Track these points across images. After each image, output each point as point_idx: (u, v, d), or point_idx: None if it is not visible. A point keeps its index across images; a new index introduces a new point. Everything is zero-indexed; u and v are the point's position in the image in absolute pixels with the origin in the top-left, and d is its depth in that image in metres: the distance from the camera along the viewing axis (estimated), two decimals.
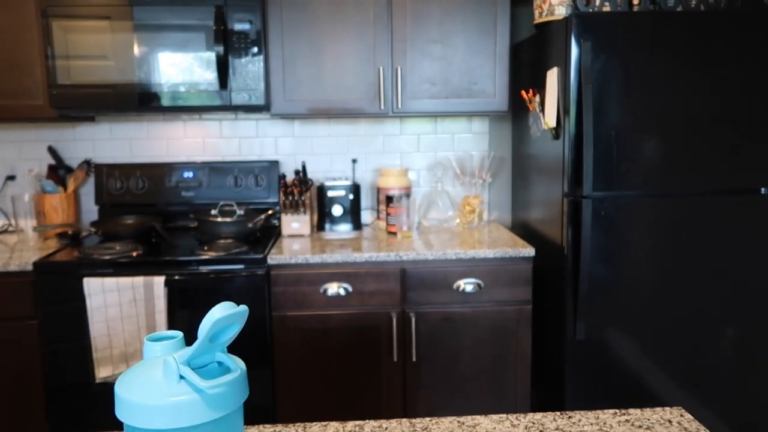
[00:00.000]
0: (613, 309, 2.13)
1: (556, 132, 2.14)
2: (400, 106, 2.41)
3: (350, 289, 2.20)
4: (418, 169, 2.81)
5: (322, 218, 2.55)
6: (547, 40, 2.21)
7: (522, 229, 2.58)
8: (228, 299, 2.16)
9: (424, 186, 2.84)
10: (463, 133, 2.83)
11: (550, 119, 2.15)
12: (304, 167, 2.50)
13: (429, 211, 2.71)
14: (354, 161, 2.75)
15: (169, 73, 2.30)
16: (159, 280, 2.08)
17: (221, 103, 2.34)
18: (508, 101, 2.45)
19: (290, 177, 2.59)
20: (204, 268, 2.15)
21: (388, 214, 2.54)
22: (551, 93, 2.14)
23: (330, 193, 2.53)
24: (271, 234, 2.53)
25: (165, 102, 2.31)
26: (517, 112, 2.57)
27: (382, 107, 2.41)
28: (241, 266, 2.16)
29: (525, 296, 2.25)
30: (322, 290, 2.19)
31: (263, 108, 2.37)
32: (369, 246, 2.35)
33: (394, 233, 2.51)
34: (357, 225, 2.57)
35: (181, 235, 2.57)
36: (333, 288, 2.19)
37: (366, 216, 2.78)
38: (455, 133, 2.83)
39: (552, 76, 2.14)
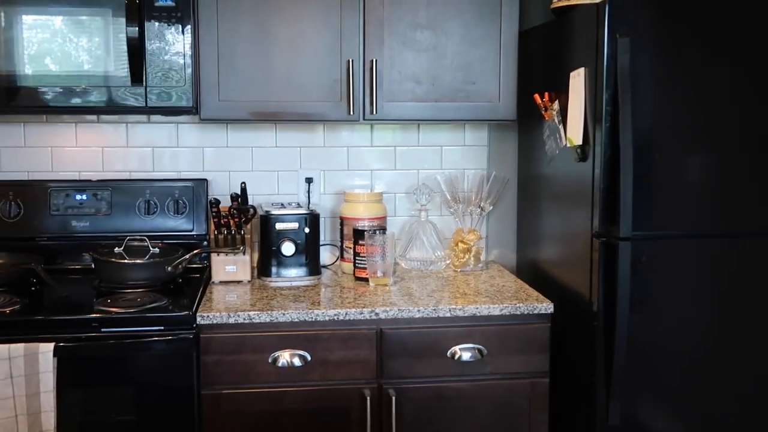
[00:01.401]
0: (657, 384, 2.17)
1: (583, 152, 2.18)
2: (375, 112, 2.44)
3: (309, 357, 2.18)
4: (394, 193, 2.83)
5: (267, 259, 2.54)
6: (569, 31, 2.26)
7: (532, 275, 2.62)
8: (141, 373, 2.11)
9: (401, 214, 2.86)
10: (454, 144, 2.87)
11: (574, 134, 2.20)
12: (243, 189, 2.48)
13: (409, 248, 2.72)
14: (309, 181, 2.76)
15: (56, 61, 2.26)
16: (46, 348, 2.03)
17: (133, 104, 2.31)
18: (515, 107, 2.49)
19: (225, 203, 2.56)
20: (108, 331, 2.11)
21: (356, 255, 2.54)
22: (576, 101, 2.19)
23: (279, 225, 2.52)
24: (195, 281, 2.51)
25: (50, 99, 2.26)
26: (526, 121, 2.62)
27: (351, 113, 2.42)
28: (160, 327, 2.12)
29: (540, 366, 2.27)
30: (270, 359, 2.17)
31: (189, 110, 2.35)
32: (332, 298, 2.34)
33: (365, 280, 2.52)
34: (314, 268, 2.56)
35: (72, 281, 2.51)
36: (285, 357, 2.18)
37: (325, 255, 2.77)
38: (444, 145, 2.86)
39: (578, 80, 2.19)
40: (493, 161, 2.86)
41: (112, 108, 2.33)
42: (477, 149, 2.87)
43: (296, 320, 2.18)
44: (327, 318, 2.19)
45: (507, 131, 2.84)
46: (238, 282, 2.51)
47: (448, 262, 2.71)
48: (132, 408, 2.12)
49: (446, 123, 2.74)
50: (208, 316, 2.15)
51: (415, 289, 2.45)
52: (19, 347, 2.02)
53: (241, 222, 2.47)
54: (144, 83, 2.30)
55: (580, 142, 2.17)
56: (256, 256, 2.69)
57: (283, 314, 2.18)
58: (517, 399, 2.27)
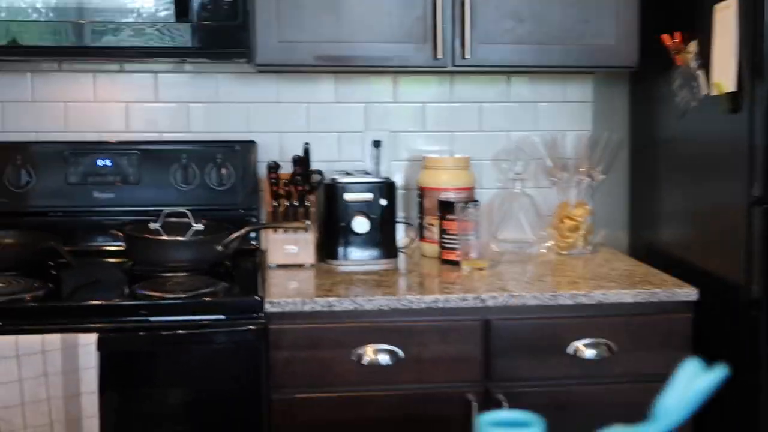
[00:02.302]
0: None
1: (734, 100, 2.16)
2: (467, 55, 2.42)
3: (401, 353, 2.16)
4: (479, 160, 2.81)
5: (333, 238, 2.51)
6: None
7: (654, 260, 2.59)
8: (197, 372, 2.09)
9: (488, 186, 2.84)
10: (552, 101, 2.85)
11: (723, 79, 2.17)
12: (307, 151, 2.46)
13: (500, 227, 2.69)
14: (377, 145, 2.73)
15: None
16: (87, 340, 1.99)
17: (176, 44, 2.30)
18: (637, 51, 2.48)
19: (284, 169, 2.53)
20: (157, 320, 2.08)
21: (443, 233, 2.51)
22: (726, 39, 2.16)
23: (348, 197, 2.50)
24: (245, 265, 2.50)
25: (64, 39, 2.24)
26: (644, 71, 2.60)
27: (439, 56, 2.41)
28: (220, 316, 2.10)
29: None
30: (354, 356, 2.15)
31: (243, 53, 2.34)
32: (422, 284, 2.32)
33: (454, 263, 2.49)
34: (390, 249, 2.54)
35: (97, 264, 2.50)
36: (370, 353, 2.15)
37: (399, 234, 2.75)
38: (539, 101, 2.85)
39: (727, 13, 2.16)
40: (598, 121, 2.85)
41: (150, 50, 2.31)
42: (579, 106, 2.85)
43: (385, 308, 2.16)
44: (423, 305, 2.16)
45: (616, 84, 2.82)
46: (299, 266, 2.48)
47: (550, 243, 2.68)
48: (185, 414, 2.11)
49: (548, 72, 2.72)
50: (279, 303, 2.12)
51: (519, 273, 2.43)
52: (54, 338, 1.99)
53: (305, 191, 2.44)
54: (190, 19, 2.28)
55: (733, 89, 2.14)
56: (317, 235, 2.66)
57: (370, 300, 2.15)
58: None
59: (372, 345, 2.16)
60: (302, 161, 2.45)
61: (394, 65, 2.42)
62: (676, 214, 2.52)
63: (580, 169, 2.73)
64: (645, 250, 2.70)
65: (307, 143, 2.46)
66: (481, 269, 2.44)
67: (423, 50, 2.41)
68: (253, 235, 2.62)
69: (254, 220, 2.63)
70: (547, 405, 2.20)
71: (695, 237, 2.40)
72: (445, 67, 2.42)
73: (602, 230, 2.83)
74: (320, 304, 2.14)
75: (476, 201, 2.51)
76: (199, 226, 2.44)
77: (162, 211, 2.48)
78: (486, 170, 2.84)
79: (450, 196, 2.56)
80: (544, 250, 2.68)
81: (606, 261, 2.60)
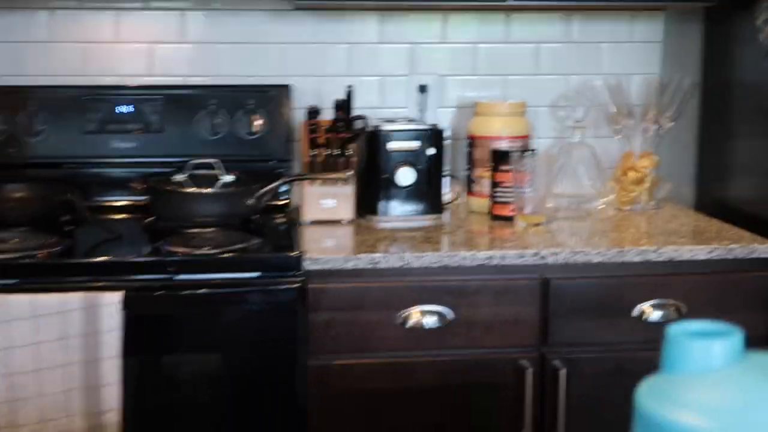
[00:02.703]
0: None
1: None
2: None
3: (450, 315, 2.16)
4: (534, 107, 2.79)
5: (374, 191, 2.50)
6: None
7: (727, 215, 2.55)
8: (229, 335, 2.10)
9: (544, 135, 2.82)
10: (617, 40, 2.82)
11: None
12: (350, 94, 2.45)
13: (556, 180, 2.66)
14: (423, 90, 2.71)
15: None
16: (112, 299, 1.99)
17: None
18: None
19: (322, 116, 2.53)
20: (186, 279, 2.08)
21: (496, 185, 2.49)
22: None
23: (392, 145, 2.47)
24: (277, 221, 2.51)
25: None
26: (721, 7, 2.57)
27: None
28: (256, 274, 2.10)
29: (762, 329, 2.23)
30: (399, 319, 2.15)
31: None
32: (473, 240, 2.34)
33: (508, 219, 2.47)
34: (436, 204, 2.53)
35: (117, 221, 2.51)
36: (419, 315, 2.15)
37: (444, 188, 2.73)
38: (602, 42, 2.82)
39: None
40: (668, 63, 2.82)
41: None
42: (647, 47, 2.83)
43: (435, 265, 2.15)
44: (476, 262, 2.16)
45: (689, 22, 2.79)
46: (337, 222, 2.48)
47: (610, 198, 2.66)
48: (213, 383, 2.11)
49: (617, 9, 2.73)
50: (318, 260, 2.12)
51: (579, 230, 2.43)
52: (75, 297, 1.99)
53: (347, 139, 2.43)
54: None
55: None
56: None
57: (419, 257, 2.15)
58: None
59: (419, 306, 2.15)
60: (344, 106, 2.44)
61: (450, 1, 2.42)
62: (752, 166, 2.50)
63: (647, 117, 2.68)
64: (714, 205, 2.67)
65: (350, 86, 2.45)
66: (537, 225, 2.42)
67: None
68: (284, 188, 2.60)
69: (286, 172, 2.62)
70: (609, 372, 2.23)
71: None
72: (506, 0, 2.43)
73: (667, 183, 2.79)
74: (364, 260, 2.14)
75: (533, 150, 2.49)
76: (229, 178, 2.44)
77: (188, 162, 2.47)
78: (542, 118, 2.82)
79: (504, 145, 2.54)
80: (604, 206, 2.65)
81: (673, 217, 2.58)
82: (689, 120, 2.76)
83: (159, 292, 2.07)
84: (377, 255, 2.14)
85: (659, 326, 2.17)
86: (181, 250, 2.17)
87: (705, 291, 2.23)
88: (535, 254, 2.17)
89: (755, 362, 0.81)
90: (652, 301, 2.20)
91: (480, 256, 2.16)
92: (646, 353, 2.16)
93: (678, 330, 0.82)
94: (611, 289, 2.21)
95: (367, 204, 2.52)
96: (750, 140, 2.51)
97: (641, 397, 0.78)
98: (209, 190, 2.39)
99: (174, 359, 2.10)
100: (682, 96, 2.68)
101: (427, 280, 2.16)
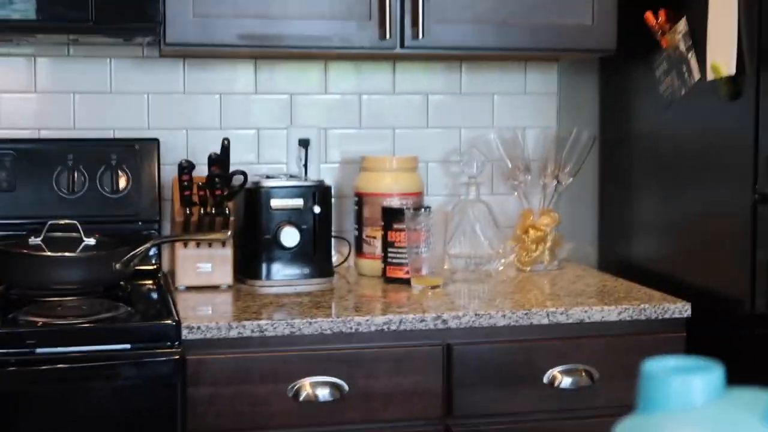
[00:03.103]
0: None
1: (734, 85, 2.20)
2: (420, 36, 2.42)
3: (346, 387, 2.13)
4: (425, 162, 2.82)
5: (256, 253, 2.48)
6: None
7: (631, 275, 2.61)
8: (93, 416, 2.03)
9: (437, 192, 2.85)
10: (511, 92, 2.88)
11: (723, 62, 2.20)
12: (226, 148, 2.41)
13: (452, 240, 2.68)
14: (304, 144, 2.71)
15: None
16: None
17: (72, 17, 2.23)
18: (615, 32, 2.51)
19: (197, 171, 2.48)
20: (47, 352, 2.01)
21: (388, 246, 2.49)
22: (726, 18, 2.20)
23: (275, 203, 2.46)
24: (146, 288, 2.48)
25: None
26: (617, 58, 2.62)
27: (388, 37, 2.41)
28: (125, 346, 2.05)
29: None
30: (289, 392, 2.12)
31: (149, 30, 2.33)
32: (369, 304, 2.33)
33: (403, 281, 2.47)
34: (325, 267, 2.53)
35: None
36: (309, 387, 2.13)
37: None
38: (496, 93, 2.87)
39: None
40: (565, 116, 2.89)
41: (30, 25, 2.27)
42: (542, 99, 2.89)
43: (327, 331, 2.13)
44: (373, 328, 2.15)
45: (583, 73, 2.87)
46: (215, 288, 2.45)
47: (511, 258, 2.69)
48: None
49: (509, 59, 2.77)
50: (199, 328, 2.08)
51: (480, 292, 2.45)
52: None
53: (224, 196, 2.39)
54: None
55: (733, 72, 2.17)
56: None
57: (309, 323, 2.12)
58: None
59: (312, 377, 2.13)
60: (220, 160, 2.40)
61: (333, 46, 2.41)
62: (655, 223, 2.57)
63: (545, 172, 2.74)
64: (618, 264, 2.74)
65: (226, 139, 2.41)
66: (434, 287, 2.43)
67: (367, 29, 2.41)
68: (153, 251, 2.57)
69: (155, 233, 2.58)
70: None
71: (680, 247, 2.44)
72: (393, 49, 2.43)
73: (569, 243, 2.84)
74: (249, 328, 2.10)
75: (428, 207, 2.51)
76: (91, 241, 2.40)
77: (44, 223, 2.41)
78: (434, 173, 2.85)
79: (395, 202, 2.55)
80: (504, 267, 2.68)
81: (578, 277, 2.63)
82: (589, 175, 2.83)
83: (15, 368, 1.99)
84: (263, 322, 2.11)
85: (571, 393, 2.21)
86: (41, 320, 2.11)
87: (616, 354, 2.25)
88: (437, 318, 2.17)
89: (737, 398, 0.81)
90: (561, 366, 2.22)
91: (377, 320, 2.15)
92: (559, 422, 2.21)
93: (655, 366, 0.83)
94: (518, 355, 2.22)
95: (247, 267, 2.51)
96: (651, 195, 2.57)
97: None
98: (70, 253, 2.34)
99: None
100: (581, 150, 2.75)
101: (319, 348, 2.14)
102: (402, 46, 2.43)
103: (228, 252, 2.45)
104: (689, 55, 2.34)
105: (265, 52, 2.57)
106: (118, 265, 2.31)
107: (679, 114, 2.42)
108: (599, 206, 2.85)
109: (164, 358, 2.04)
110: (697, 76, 2.32)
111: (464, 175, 2.73)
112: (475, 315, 2.19)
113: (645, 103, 2.58)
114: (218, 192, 2.39)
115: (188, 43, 2.35)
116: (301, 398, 2.11)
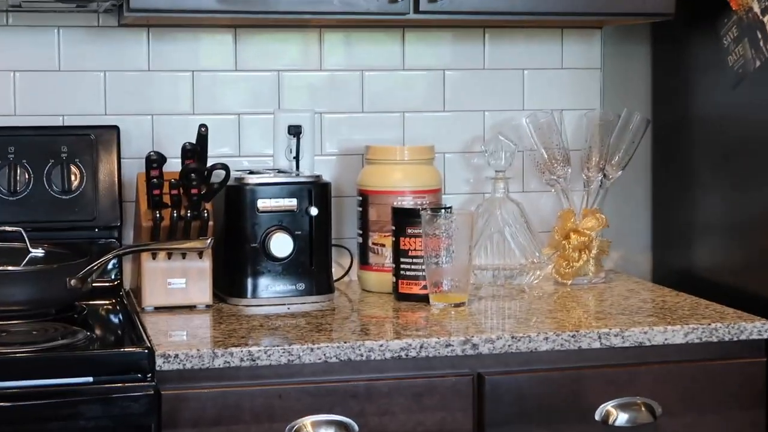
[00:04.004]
0: None
1: None
2: None
3: (355, 427, 2.13)
4: (442, 153, 2.82)
5: (239, 266, 2.50)
6: None
7: (697, 288, 2.61)
8: None
9: (456, 189, 2.86)
10: (545, 66, 2.89)
11: None
12: (203, 137, 2.42)
13: (476, 248, 2.68)
14: (295, 132, 2.72)
15: None
16: None
17: None
18: None
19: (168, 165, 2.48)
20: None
21: (400, 255, 2.50)
22: None
23: (262, 204, 2.47)
24: (104, 308, 2.49)
25: None
26: (673, 25, 2.64)
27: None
28: (87, 379, 2.03)
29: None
30: None
31: None
32: (378, 328, 2.34)
33: (420, 299, 2.48)
34: (324, 282, 2.55)
35: None
36: (311, 427, 2.11)
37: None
38: (527, 68, 2.88)
39: None
40: (610, 95, 2.89)
41: None
42: (583, 75, 2.91)
43: (332, 360, 2.12)
44: (388, 355, 2.14)
45: (633, 43, 2.87)
46: (190, 308, 2.46)
47: (548, 269, 2.68)
48: None
49: (543, 26, 2.79)
50: (177, 357, 2.06)
51: (515, 311, 2.45)
52: None
53: (201, 196, 2.39)
54: None
55: None
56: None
57: (311, 350, 2.11)
58: None
59: (314, 416, 2.12)
60: (196, 152, 2.39)
61: (333, 11, 2.40)
62: (722, 224, 2.58)
63: (588, 164, 2.74)
64: (677, 276, 2.74)
65: (203, 125, 2.41)
66: (458, 306, 2.43)
67: None
68: (112, 264, 2.58)
69: (115, 242, 2.59)
70: None
71: (752, 253, 2.46)
72: (406, 14, 2.43)
73: (617, 250, 2.84)
74: (239, 356, 2.09)
75: (449, 207, 2.50)
76: (39, 252, 2.41)
77: None
78: (453, 167, 2.85)
79: (408, 201, 2.55)
80: (537, 280, 2.69)
81: (630, 292, 2.63)
82: (641, 167, 2.83)
83: None
84: (255, 349, 2.10)
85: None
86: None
87: (682, 384, 2.25)
88: (466, 342, 2.16)
89: None
90: (616, 400, 2.22)
91: (393, 346, 2.14)
92: None
93: None
94: (564, 386, 2.21)
95: (229, 283, 2.52)
96: (717, 192, 2.57)
97: None
98: (13, 267, 2.35)
99: None
100: (631, 137, 2.75)
101: (322, 380, 2.14)
102: (416, 10, 2.43)
103: (206, 264, 2.45)
104: (766, 18, 2.34)
105: (248, 19, 2.54)
106: (72, 282, 2.31)
107: (751, 92, 2.41)
108: (653, 205, 2.86)
109: (135, 394, 2.02)
110: None
111: (490, 168, 2.73)
112: (512, 338, 2.18)
113: (709, 79, 2.57)
114: (194, 191, 2.39)
115: (156, 9, 2.34)
116: None
